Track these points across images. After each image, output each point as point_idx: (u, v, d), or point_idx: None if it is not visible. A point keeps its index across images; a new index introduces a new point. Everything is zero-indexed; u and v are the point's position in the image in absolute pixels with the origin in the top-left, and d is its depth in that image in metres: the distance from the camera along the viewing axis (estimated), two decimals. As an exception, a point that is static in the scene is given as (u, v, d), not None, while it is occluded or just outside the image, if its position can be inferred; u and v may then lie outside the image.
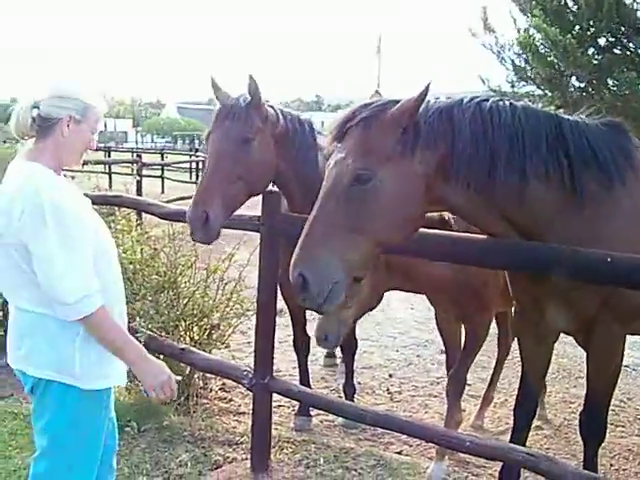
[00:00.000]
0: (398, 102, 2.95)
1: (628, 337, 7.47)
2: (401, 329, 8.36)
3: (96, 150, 3.14)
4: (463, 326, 4.87)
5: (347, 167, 2.87)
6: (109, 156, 28.29)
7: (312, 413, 5.36)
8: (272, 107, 4.42)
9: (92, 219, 2.90)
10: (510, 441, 3.82)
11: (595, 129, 3.26)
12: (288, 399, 5.25)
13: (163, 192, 22.36)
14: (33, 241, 2.64)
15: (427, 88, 2.87)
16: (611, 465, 5.01)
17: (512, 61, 10.17)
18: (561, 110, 3.48)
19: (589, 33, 9.20)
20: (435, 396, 6.17)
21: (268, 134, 4.29)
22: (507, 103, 3.10)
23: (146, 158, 20.54)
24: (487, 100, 3.08)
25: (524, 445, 3.86)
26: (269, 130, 4.30)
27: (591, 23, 9.01)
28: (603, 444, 5.19)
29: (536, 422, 5.65)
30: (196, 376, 5.49)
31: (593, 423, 3.68)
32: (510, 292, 3.74)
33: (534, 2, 9.64)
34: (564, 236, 3.12)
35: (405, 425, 3.49)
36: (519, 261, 3.22)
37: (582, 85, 9.51)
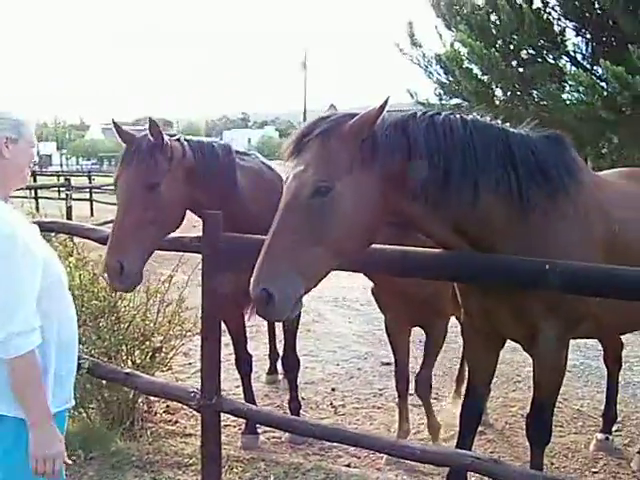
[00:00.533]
0: (355, 115, 2.98)
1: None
2: (341, 343, 8.42)
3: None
4: (423, 331, 5.06)
5: (306, 179, 2.89)
6: (35, 180, 27.63)
7: (259, 430, 5.36)
8: (178, 140, 4.40)
9: (41, 248, 2.85)
10: (456, 446, 3.89)
11: (538, 141, 3.37)
12: (234, 418, 5.24)
13: (92, 215, 22.02)
14: None
15: (386, 102, 2.92)
16: (552, 464, 5.15)
17: (439, 75, 10.43)
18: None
19: (512, 47, 9.51)
20: (379, 407, 6.25)
21: (176, 173, 4.26)
22: (458, 117, 3.18)
23: (74, 181, 20.17)
24: (439, 114, 3.16)
25: (470, 449, 3.94)
26: (176, 169, 4.27)
27: (513, 37, 9.31)
28: (547, 443, 5.41)
29: (479, 427, 5.79)
30: (140, 400, 5.44)
31: (540, 425, 3.77)
32: (459, 301, 3.84)
33: (459, 17, 9.92)
34: (513, 246, 3.23)
35: (355, 437, 3.53)
36: (461, 272, 3.31)
37: (507, 97, 9.81)
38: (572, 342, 7.76)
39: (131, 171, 4.15)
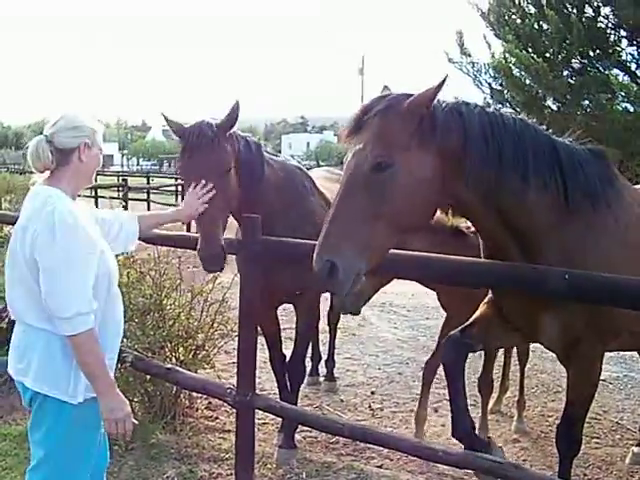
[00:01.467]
0: (411, 95, 3.04)
1: (606, 353, 7.66)
2: (384, 348, 8.50)
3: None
4: None
5: (366, 156, 2.94)
6: (95, 180, 28.33)
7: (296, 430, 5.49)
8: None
9: (100, 242, 3.14)
10: (448, 389, 4.04)
11: (582, 152, 3.41)
12: (272, 416, 5.40)
13: (149, 215, 22.44)
14: (42, 255, 2.89)
15: (444, 80, 2.97)
16: (584, 475, 5.16)
17: (489, 84, 10.43)
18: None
19: (561, 57, 9.46)
20: (414, 412, 6.32)
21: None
22: (509, 114, 3.25)
23: (132, 181, 20.68)
24: (489, 106, 3.25)
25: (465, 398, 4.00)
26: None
27: (563, 47, 9.27)
28: (578, 455, 5.41)
29: (514, 435, 5.85)
30: (182, 395, 5.63)
31: (570, 436, 3.79)
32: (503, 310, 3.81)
33: (507, 27, 9.91)
34: (555, 250, 3.28)
35: (380, 437, 3.65)
36: (483, 280, 3.40)
37: (557, 107, 9.76)
38: (615, 354, 7.84)
39: (207, 157, 4.20)
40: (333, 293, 3.09)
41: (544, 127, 3.47)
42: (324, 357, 7.17)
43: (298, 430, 5.49)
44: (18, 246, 2.99)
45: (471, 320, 3.87)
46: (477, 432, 5.65)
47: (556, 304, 3.35)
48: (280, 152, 7.10)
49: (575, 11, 9.33)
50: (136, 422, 3.22)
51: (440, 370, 4.75)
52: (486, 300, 3.92)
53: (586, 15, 9.55)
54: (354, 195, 2.93)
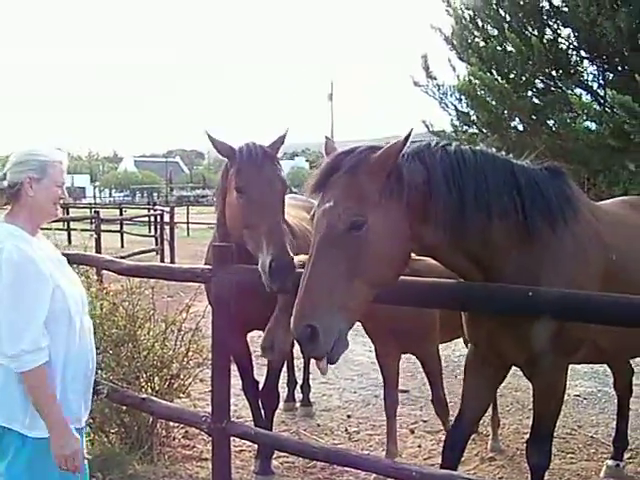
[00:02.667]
0: (375, 148, 3.10)
1: (579, 367, 7.73)
2: (359, 371, 8.52)
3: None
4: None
5: (339, 215, 2.94)
6: (67, 213, 28.22)
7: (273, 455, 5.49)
8: None
9: (57, 277, 3.11)
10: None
11: (540, 173, 3.50)
12: (249, 443, 5.40)
13: (123, 246, 22.38)
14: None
15: (409, 134, 3.02)
16: (561, 489, 5.22)
17: (454, 106, 10.60)
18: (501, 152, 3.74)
19: (524, 78, 9.65)
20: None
21: None
22: (468, 147, 3.33)
23: (105, 213, 20.61)
24: (451, 144, 3.29)
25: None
26: None
27: (525, 68, 9.46)
28: (553, 470, 5.46)
29: (490, 453, 5.88)
30: (159, 425, 5.61)
31: (539, 450, 3.82)
32: (465, 329, 3.90)
33: (470, 50, 10.10)
34: (516, 267, 3.34)
35: (355, 459, 3.66)
36: (456, 301, 3.45)
37: (522, 127, 9.93)
38: (589, 370, 7.92)
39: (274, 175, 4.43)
40: (316, 358, 3.09)
41: (503, 151, 3.57)
42: (299, 382, 7.17)
43: (275, 456, 5.50)
44: None
45: (463, 408, 3.95)
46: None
47: (516, 319, 3.41)
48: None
49: (536, 33, 9.54)
50: (89, 456, 3.29)
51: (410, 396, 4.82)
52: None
53: (547, 37, 9.77)
54: (329, 255, 2.93)
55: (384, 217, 2.98)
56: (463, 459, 5.60)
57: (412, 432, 6.42)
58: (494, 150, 3.52)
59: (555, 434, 6.12)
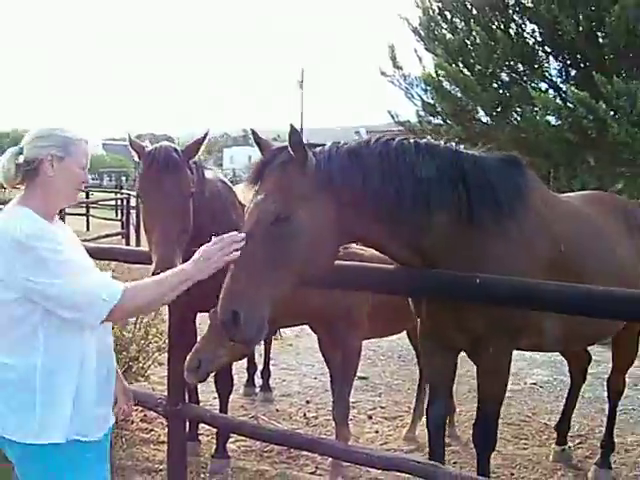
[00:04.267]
0: (314, 145, 3.22)
1: (537, 356, 7.86)
2: (320, 357, 8.52)
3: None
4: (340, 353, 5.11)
5: (267, 208, 3.06)
6: (86, 196, 27.77)
7: (231, 439, 5.53)
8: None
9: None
10: (429, 457, 4.06)
11: (491, 163, 3.56)
12: (208, 427, 5.43)
13: (88, 229, 22.18)
14: (31, 273, 2.56)
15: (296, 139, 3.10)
16: (512, 474, 5.32)
17: (420, 97, 10.66)
18: (461, 145, 3.80)
19: (489, 71, 9.74)
20: (350, 419, 6.41)
21: None
22: (412, 142, 3.37)
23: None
24: (393, 140, 3.35)
25: (443, 457, 4.15)
26: None
27: (490, 61, 9.55)
28: (506, 455, 5.58)
29: (446, 439, 5.97)
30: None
31: (485, 433, 3.90)
32: (414, 312, 3.98)
33: (437, 42, 10.17)
34: (459, 263, 3.39)
35: (310, 443, 3.72)
36: (414, 288, 3.52)
37: (486, 119, 10.03)
38: (546, 359, 8.06)
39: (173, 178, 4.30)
40: (240, 342, 3.24)
41: (468, 142, 3.63)
42: (260, 367, 7.22)
43: (233, 440, 5.55)
44: None
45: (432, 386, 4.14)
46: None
47: (457, 303, 3.50)
48: (222, 165, 7.17)
49: (502, 27, 9.64)
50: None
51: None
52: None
53: (512, 31, 9.87)
54: (257, 246, 3.01)
55: (312, 211, 3.08)
56: (418, 444, 5.79)
57: (370, 418, 6.51)
58: (456, 140, 3.59)
59: (510, 421, 6.35)
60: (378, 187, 3.18)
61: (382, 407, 6.82)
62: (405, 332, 5.87)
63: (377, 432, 6.15)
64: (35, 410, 2.65)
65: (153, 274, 3.78)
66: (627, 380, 5.42)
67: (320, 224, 3.10)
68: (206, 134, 4.55)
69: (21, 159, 2.74)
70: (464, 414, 6.55)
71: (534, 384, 7.71)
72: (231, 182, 5.67)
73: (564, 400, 5.79)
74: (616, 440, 5.43)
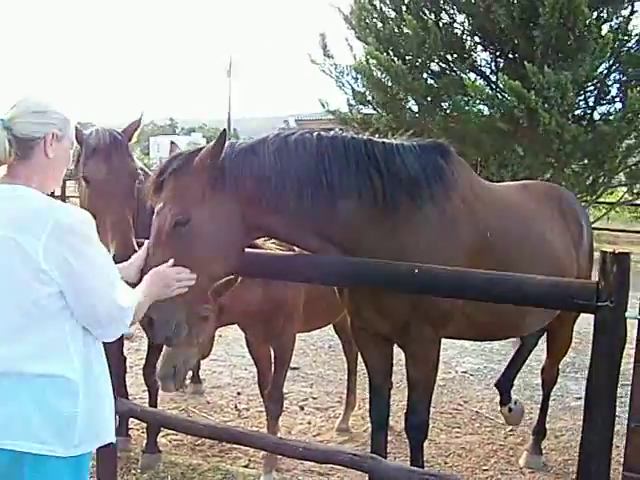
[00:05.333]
0: (199, 150, 3.23)
1: (466, 344, 7.96)
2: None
3: None
4: (271, 348, 5.04)
5: (166, 214, 3.12)
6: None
7: (161, 433, 5.38)
8: None
9: None
10: (371, 446, 4.16)
11: (410, 150, 3.54)
12: (137, 421, 5.27)
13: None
14: (72, 259, 2.35)
15: (223, 134, 3.13)
16: (445, 463, 5.35)
17: (350, 86, 10.63)
18: (380, 135, 3.75)
19: (420, 60, 9.77)
20: (282, 410, 6.33)
21: None
22: (314, 135, 3.38)
23: None
24: (293, 134, 3.37)
25: (386, 445, 4.21)
26: None
27: (421, 50, 9.58)
28: (440, 444, 5.60)
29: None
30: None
31: (417, 422, 3.91)
32: (342, 302, 3.97)
33: (368, 30, 10.14)
34: (375, 248, 3.38)
35: (241, 436, 3.62)
36: (344, 277, 3.42)
37: (417, 108, 10.06)
38: (477, 347, 8.16)
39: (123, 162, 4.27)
40: (160, 343, 3.38)
41: (399, 131, 3.61)
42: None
43: (164, 434, 5.40)
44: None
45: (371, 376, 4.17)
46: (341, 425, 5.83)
47: (379, 291, 3.51)
48: (148, 154, 7.00)
49: (433, 17, 9.68)
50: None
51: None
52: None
53: (443, 21, 9.93)
54: (161, 252, 3.09)
55: (209, 213, 3.14)
56: (351, 435, 5.76)
57: (302, 409, 6.44)
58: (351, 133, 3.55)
59: (442, 410, 6.37)
60: (277, 181, 3.22)
61: (314, 398, 6.77)
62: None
63: (309, 423, 6.09)
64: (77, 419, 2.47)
65: (113, 258, 3.45)
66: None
67: (221, 223, 3.17)
68: (140, 118, 4.47)
69: (10, 135, 2.42)
70: (397, 404, 6.55)
71: (465, 372, 7.79)
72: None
73: (494, 388, 5.83)
74: (547, 426, 5.52)
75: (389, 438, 5.71)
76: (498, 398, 5.83)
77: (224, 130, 3.16)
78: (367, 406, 4.41)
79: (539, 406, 5.58)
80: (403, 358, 3.91)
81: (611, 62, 9.34)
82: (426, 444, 4.07)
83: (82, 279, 2.39)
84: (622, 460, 2.85)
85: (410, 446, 4.00)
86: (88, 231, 2.44)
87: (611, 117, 9.19)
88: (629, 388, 2.82)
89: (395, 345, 4.07)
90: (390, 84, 9.79)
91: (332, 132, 3.49)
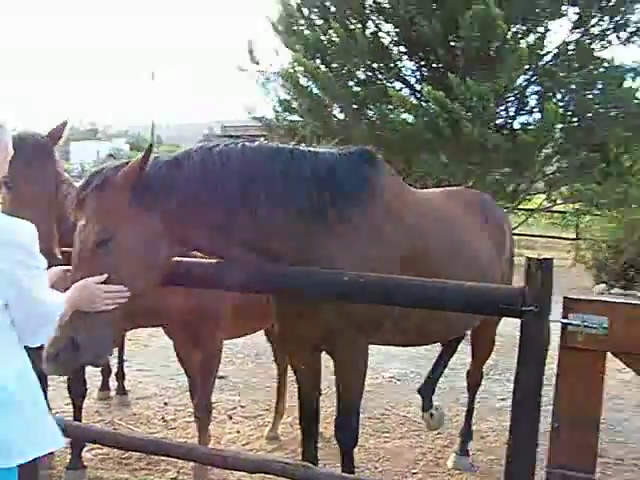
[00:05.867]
0: (122, 165, 3.18)
1: (392, 350, 8.04)
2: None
3: None
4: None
5: (89, 232, 3.07)
6: None
7: (86, 447, 5.25)
8: None
9: None
10: (302, 453, 4.16)
11: (337, 158, 3.56)
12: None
13: None
14: (19, 271, 2.43)
15: (149, 149, 3.08)
16: (375, 468, 5.38)
17: (277, 92, 10.62)
18: (302, 143, 3.76)
19: (347, 68, 9.84)
20: (211, 420, 6.27)
21: None
22: (239, 145, 3.35)
23: None
24: (218, 145, 3.33)
25: (316, 452, 4.20)
26: None
27: (348, 58, 9.65)
28: (369, 449, 5.64)
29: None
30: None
31: (347, 428, 3.91)
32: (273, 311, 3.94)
33: (295, 37, 10.15)
34: (304, 258, 3.37)
35: (169, 447, 3.56)
36: (277, 286, 3.42)
37: (344, 116, 10.12)
38: (402, 352, 8.25)
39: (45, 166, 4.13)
40: (85, 364, 3.37)
41: (325, 139, 3.61)
42: (114, 370, 6.91)
43: (88, 448, 5.26)
44: None
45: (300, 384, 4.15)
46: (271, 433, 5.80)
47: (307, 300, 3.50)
48: (68, 160, 6.84)
49: (360, 25, 9.75)
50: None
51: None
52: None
53: (369, 30, 10.01)
54: (84, 270, 3.05)
55: (132, 231, 3.09)
56: (281, 443, 5.74)
57: (230, 418, 6.39)
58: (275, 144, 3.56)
59: (370, 415, 6.42)
60: (202, 196, 3.18)
61: (242, 406, 6.72)
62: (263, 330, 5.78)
63: (238, 432, 6.04)
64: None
65: None
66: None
67: (144, 240, 3.12)
68: (65, 122, 4.32)
69: None
70: (326, 409, 6.56)
71: (392, 378, 7.88)
72: (79, 177, 5.43)
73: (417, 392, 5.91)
74: (473, 428, 5.63)
75: (319, 445, 5.77)
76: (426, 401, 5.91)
77: (150, 145, 3.11)
78: (296, 413, 4.40)
79: (465, 408, 5.69)
80: (331, 364, 3.92)
81: (530, 74, 9.63)
82: (356, 450, 4.08)
83: (27, 290, 2.45)
84: (546, 458, 2.94)
85: (340, 452, 3.99)
86: (31, 243, 2.49)
87: (530, 127, 9.45)
88: (551, 389, 2.92)
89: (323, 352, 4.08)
90: (316, 91, 9.83)
91: (257, 142, 3.46)
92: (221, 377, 7.13)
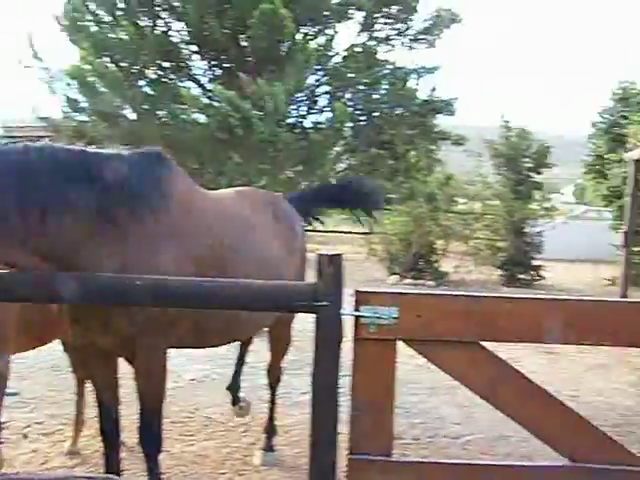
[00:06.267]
0: None
1: (193, 351, 7.98)
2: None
3: None
4: None
5: None
6: None
7: None
8: None
9: None
10: (105, 463, 4.02)
11: (127, 160, 3.49)
12: None
13: None
14: None
15: None
16: (182, 472, 5.29)
17: (64, 91, 10.16)
18: (91, 145, 3.65)
19: (137, 67, 9.63)
20: (1, 442, 5.88)
21: None
22: (20, 145, 3.18)
23: None
24: None
25: (119, 462, 4.10)
26: None
27: (138, 57, 9.45)
28: (175, 454, 5.55)
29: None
30: None
31: (150, 435, 3.88)
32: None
33: (82, 33, 9.77)
34: (97, 265, 3.27)
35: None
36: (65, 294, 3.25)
37: (134, 116, 9.90)
38: (203, 353, 8.21)
39: None
40: None
41: (114, 140, 3.54)
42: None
43: None
44: None
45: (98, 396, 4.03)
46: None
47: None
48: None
49: (150, 23, 9.57)
50: None
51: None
52: None
53: (159, 29, 9.85)
54: None
55: None
56: (83, 457, 5.49)
57: (25, 437, 6.00)
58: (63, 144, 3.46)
59: (174, 419, 6.32)
60: None
61: (38, 423, 6.34)
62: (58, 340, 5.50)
63: (35, 451, 5.69)
64: None
65: None
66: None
67: None
68: None
69: None
70: (127, 418, 6.38)
71: (193, 380, 7.81)
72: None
73: (223, 393, 5.95)
74: (276, 423, 5.72)
75: (124, 454, 5.59)
76: (228, 402, 5.95)
77: None
78: (97, 425, 4.24)
79: (268, 405, 5.76)
80: (129, 371, 3.83)
81: (320, 75, 9.96)
82: (162, 456, 4.04)
83: None
84: (347, 445, 3.06)
85: (146, 460, 3.93)
86: None
87: (321, 126, 9.77)
88: (348, 379, 3.04)
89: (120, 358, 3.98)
90: (106, 91, 9.53)
91: (41, 143, 3.29)
92: (12, 394, 6.71)
